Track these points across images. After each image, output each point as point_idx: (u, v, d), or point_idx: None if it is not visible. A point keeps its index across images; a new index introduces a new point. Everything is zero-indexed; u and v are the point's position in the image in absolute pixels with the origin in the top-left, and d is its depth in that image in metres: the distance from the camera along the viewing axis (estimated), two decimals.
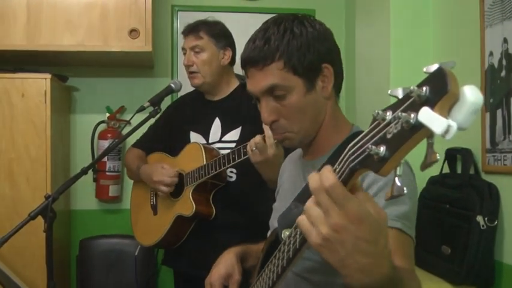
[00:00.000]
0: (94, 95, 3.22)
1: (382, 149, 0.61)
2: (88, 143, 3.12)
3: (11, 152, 2.54)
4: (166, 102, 2.35)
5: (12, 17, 2.62)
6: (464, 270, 1.89)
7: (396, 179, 0.62)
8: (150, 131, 2.43)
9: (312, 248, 0.78)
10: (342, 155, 0.71)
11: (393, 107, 0.62)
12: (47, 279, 1.67)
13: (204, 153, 2.09)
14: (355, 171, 0.68)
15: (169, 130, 2.36)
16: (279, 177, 1.48)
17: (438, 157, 0.57)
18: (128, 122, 2.31)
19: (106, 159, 3.01)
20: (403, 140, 0.59)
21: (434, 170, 2.23)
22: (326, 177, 0.70)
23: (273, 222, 1.34)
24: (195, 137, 2.24)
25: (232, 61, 2.24)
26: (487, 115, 2.00)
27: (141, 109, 2.04)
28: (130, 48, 2.71)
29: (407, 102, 0.60)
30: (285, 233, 0.95)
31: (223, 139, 2.19)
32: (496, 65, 1.97)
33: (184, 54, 2.24)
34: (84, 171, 1.87)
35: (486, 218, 1.87)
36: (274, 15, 1.28)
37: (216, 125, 2.22)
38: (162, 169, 2.15)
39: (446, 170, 2.20)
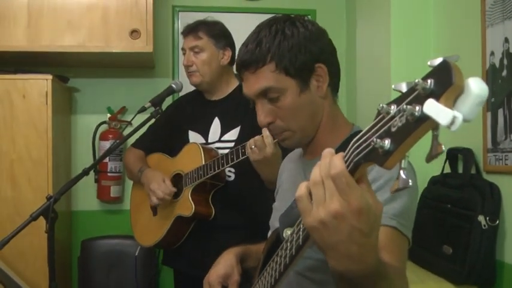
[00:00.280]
0: (95, 96, 3.22)
1: (387, 142, 0.61)
2: (89, 144, 3.13)
3: (13, 153, 2.54)
4: (167, 102, 2.35)
5: (13, 18, 2.63)
6: (465, 270, 1.89)
7: (401, 171, 0.62)
8: (149, 131, 2.42)
9: (314, 247, 0.78)
10: (347, 150, 0.71)
11: (398, 101, 0.63)
12: (48, 280, 1.67)
13: (202, 153, 2.08)
14: (359, 165, 0.68)
15: (169, 130, 2.35)
16: (278, 177, 1.48)
17: (443, 148, 0.58)
18: (129, 123, 2.30)
19: (107, 160, 3.02)
20: (407, 133, 0.59)
21: (435, 170, 2.24)
22: (335, 164, 0.70)
23: (274, 222, 1.34)
24: (193, 136, 2.23)
25: (232, 61, 2.24)
26: (489, 115, 2.00)
27: (142, 110, 2.04)
28: (131, 49, 2.71)
29: (412, 95, 0.60)
30: (287, 232, 0.95)
31: (222, 139, 2.19)
32: (497, 65, 1.97)
33: (184, 54, 2.24)
34: (85, 172, 1.87)
35: (488, 218, 1.87)
36: (274, 15, 1.28)
37: (216, 125, 2.22)
38: (162, 183, 2.13)
39: (447, 169, 2.20)
